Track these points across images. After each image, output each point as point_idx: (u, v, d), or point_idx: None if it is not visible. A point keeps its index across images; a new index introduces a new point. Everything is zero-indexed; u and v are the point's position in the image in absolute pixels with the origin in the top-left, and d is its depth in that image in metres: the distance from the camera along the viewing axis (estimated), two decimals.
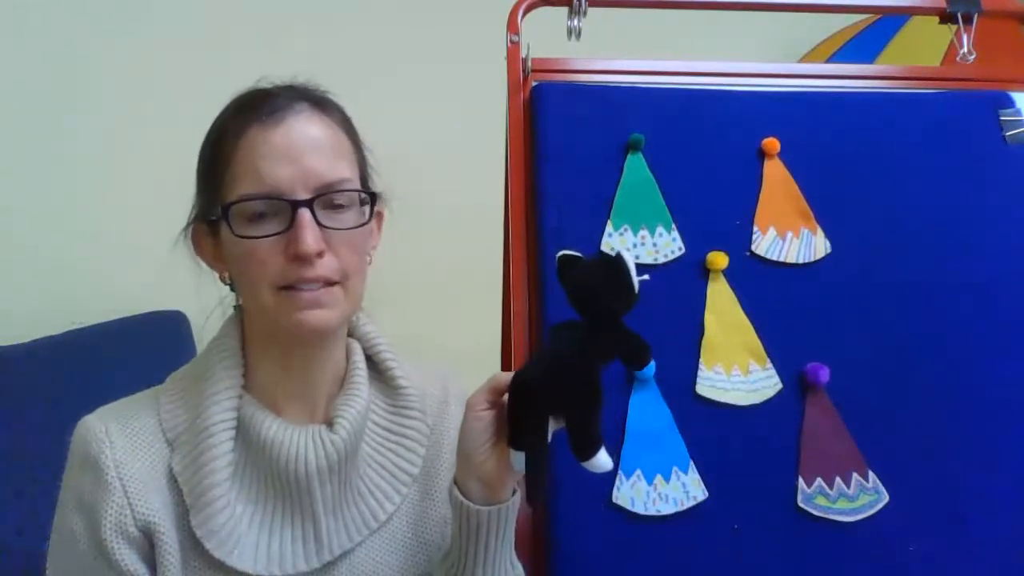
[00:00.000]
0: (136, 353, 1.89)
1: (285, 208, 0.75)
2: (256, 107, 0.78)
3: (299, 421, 0.82)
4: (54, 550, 0.80)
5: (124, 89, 2.08)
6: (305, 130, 0.78)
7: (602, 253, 0.74)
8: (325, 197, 0.77)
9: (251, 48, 2.02)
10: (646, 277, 0.76)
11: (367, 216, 0.82)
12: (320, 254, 0.76)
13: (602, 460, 0.74)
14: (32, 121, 2.02)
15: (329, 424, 0.82)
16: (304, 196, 0.75)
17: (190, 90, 2.04)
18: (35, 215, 2.03)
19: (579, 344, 0.76)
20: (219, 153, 0.79)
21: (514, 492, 0.80)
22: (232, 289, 0.85)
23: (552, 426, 0.76)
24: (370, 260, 0.86)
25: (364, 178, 0.85)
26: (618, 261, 0.74)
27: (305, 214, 0.75)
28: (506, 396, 0.77)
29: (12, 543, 1.57)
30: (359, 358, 0.89)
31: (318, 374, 0.85)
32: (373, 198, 0.83)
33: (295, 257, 0.75)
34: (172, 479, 0.79)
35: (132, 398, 0.85)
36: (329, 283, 0.78)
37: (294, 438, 0.80)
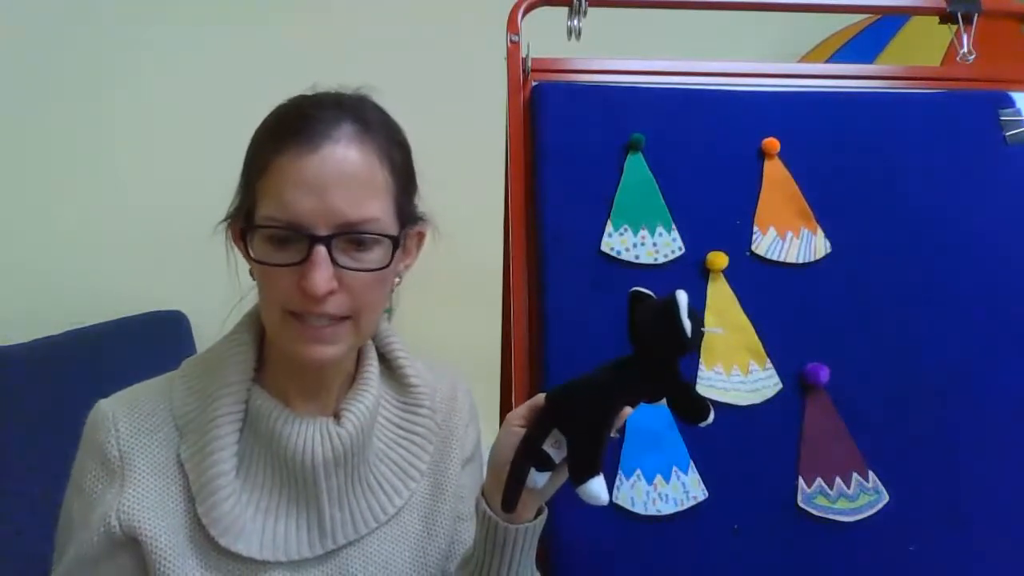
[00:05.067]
0: (136, 353, 1.89)
1: (304, 240, 0.74)
2: (296, 128, 0.75)
3: (309, 413, 0.83)
4: (59, 530, 0.82)
5: (123, 89, 2.07)
6: (339, 162, 0.74)
7: (668, 294, 0.73)
8: (345, 236, 0.75)
9: (248, 49, 2.03)
10: (717, 330, 0.72)
11: (390, 258, 0.78)
12: (331, 292, 0.74)
13: (593, 489, 0.72)
14: (31, 121, 2.02)
15: (337, 417, 0.83)
16: (323, 232, 0.73)
17: (190, 90, 2.05)
18: (35, 215, 2.03)
19: (612, 374, 0.75)
20: (255, 163, 0.77)
21: (541, 511, 0.81)
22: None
23: (558, 455, 0.76)
24: (399, 280, 0.84)
25: (402, 209, 0.81)
26: (669, 303, 0.71)
27: (320, 251, 0.73)
28: None
29: (12, 543, 1.57)
30: (371, 355, 0.90)
31: (331, 373, 0.86)
32: (396, 242, 0.79)
33: (303, 291, 0.74)
34: (180, 465, 0.80)
35: (146, 383, 0.86)
36: (337, 319, 0.77)
37: (302, 430, 0.81)
